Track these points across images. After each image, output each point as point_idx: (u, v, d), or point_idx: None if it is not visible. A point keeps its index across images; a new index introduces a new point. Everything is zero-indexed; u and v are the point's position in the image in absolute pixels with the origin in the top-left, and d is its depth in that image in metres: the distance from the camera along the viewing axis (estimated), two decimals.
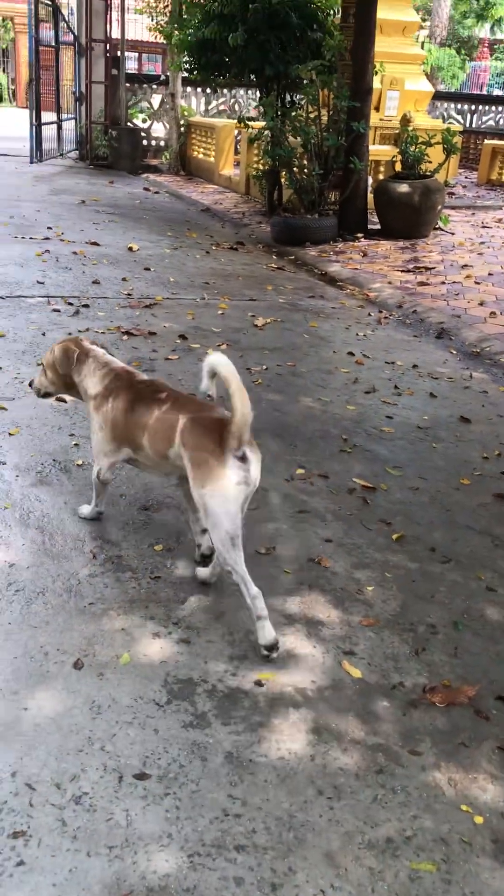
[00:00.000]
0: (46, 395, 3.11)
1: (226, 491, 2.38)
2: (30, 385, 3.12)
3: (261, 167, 11.24)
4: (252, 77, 10.98)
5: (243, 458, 2.40)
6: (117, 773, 1.97)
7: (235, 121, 12.16)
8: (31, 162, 14.25)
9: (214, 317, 6.05)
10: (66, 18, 15.79)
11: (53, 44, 15.60)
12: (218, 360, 2.36)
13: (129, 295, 6.37)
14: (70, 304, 5.92)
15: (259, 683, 2.31)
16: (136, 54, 30.93)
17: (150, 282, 6.91)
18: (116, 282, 6.74)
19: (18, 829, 1.80)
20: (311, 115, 9.36)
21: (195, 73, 11.46)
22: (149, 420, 2.66)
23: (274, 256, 8.71)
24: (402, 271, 7.91)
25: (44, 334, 5.12)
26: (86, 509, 3.09)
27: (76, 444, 3.66)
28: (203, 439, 2.46)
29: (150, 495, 3.28)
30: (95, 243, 8.19)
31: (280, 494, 3.41)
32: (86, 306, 5.89)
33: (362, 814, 1.92)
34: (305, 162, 9.40)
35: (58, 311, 5.72)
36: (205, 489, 2.42)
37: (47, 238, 8.21)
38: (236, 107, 17.73)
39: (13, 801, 1.87)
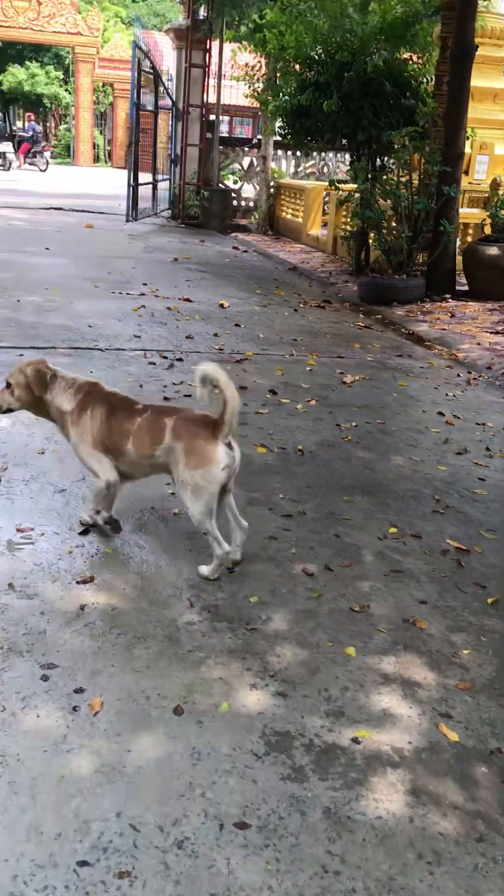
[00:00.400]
0: (9, 410, 3.33)
1: (214, 473, 2.89)
2: None
3: (349, 228, 11.45)
4: (344, 141, 11.27)
5: (230, 446, 2.90)
6: (218, 820, 2.00)
7: (325, 183, 12.44)
8: (127, 220, 14.86)
9: (303, 373, 6.16)
10: (166, 85, 16.55)
11: (152, 108, 16.39)
12: (206, 367, 2.84)
13: (220, 350, 6.55)
14: (165, 357, 6.12)
15: (356, 741, 2.32)
16: (228, 118, 32.12)
17: (240, 337, 7.09)
18: (208, 337, 6.95)
19: (124, 869, 1.85)
20: (402, 179, 9.54)
21: (289, 137, 11.82)
22: (132, 427, 3.05)
23: (361, 315, 8.82)
24: (491, 333, 7.90)
25: (141, 386, 5.30)
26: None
27: (172, 493, 3.75)
28: (196, 431, 2.93)
29: (244, 549, 3.31)
30: (188, 299, 8.46)
31: (373, 552, 3.43)
32: (180, 360, 6.07)
33: (464, 882, 1.90)
34: (394, 224, 9.55)
35: (153, 364, 5.92)
36: (196, 471, 2.90)
37: (143, 294, 8.53)
38: (325, 169, 18.15)
39: (118, 841, 1.92)
